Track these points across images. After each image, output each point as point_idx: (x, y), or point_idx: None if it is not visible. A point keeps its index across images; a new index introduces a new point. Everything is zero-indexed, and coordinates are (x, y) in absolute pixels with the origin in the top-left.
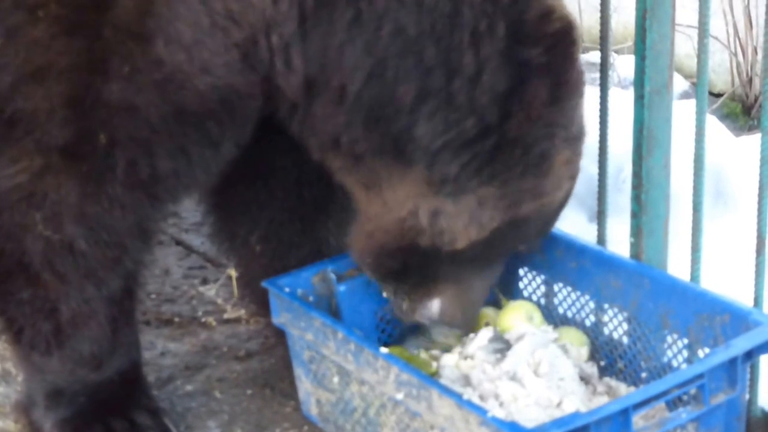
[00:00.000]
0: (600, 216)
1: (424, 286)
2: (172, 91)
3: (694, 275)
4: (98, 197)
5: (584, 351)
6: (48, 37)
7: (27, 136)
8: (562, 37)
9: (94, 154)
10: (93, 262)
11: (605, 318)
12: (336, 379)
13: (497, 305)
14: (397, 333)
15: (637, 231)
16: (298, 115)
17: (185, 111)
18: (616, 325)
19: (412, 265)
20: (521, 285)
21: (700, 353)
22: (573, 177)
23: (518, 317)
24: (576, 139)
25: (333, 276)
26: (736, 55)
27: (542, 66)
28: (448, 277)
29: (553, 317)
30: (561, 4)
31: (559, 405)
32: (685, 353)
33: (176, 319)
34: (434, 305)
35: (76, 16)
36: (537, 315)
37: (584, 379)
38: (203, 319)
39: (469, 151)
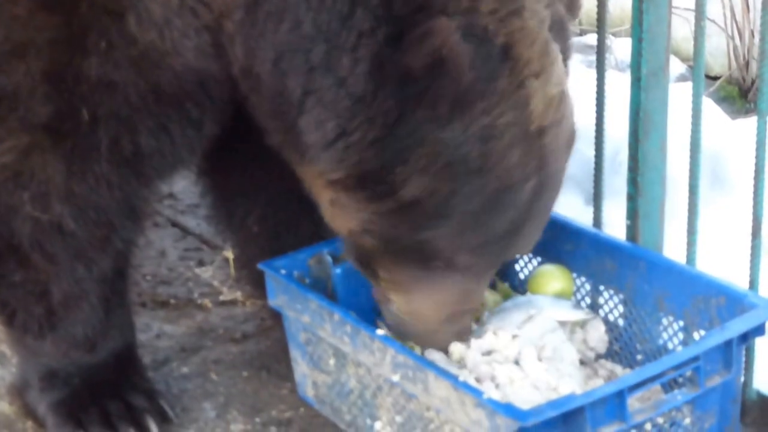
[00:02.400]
0: (596, 199)
1: (372, 277)
2: (148, 69)
3: (690, 258)
4: (84, 175)
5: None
6: (28, 13)
7: (11, 114)
8: (430, 67)
9: (78, 131)
10: (82, 242)
11: (601, 300)
12: (332, 361)
13: (493, 287)
14: None
15: (633, 214)
16: (250, 103)
17: (163, 90)
18: (612, 308)
19: (358, 255)
20: (517, 267)
21: (696, 335)
22: (443, 183)
23: (550, 288)
24: (462, 151)
25: (329, 258)
26: (733, 38)
27: (399, 79)
28: (384, 275)
29: None
30: (446, 32)
31: (555, 387)
32: (681, 335)
33: (172, 301)
34: (389, 304)
35: None
36: (568, 285)
37: (583, 362)
38: (199, 301)
39: (332, 150)
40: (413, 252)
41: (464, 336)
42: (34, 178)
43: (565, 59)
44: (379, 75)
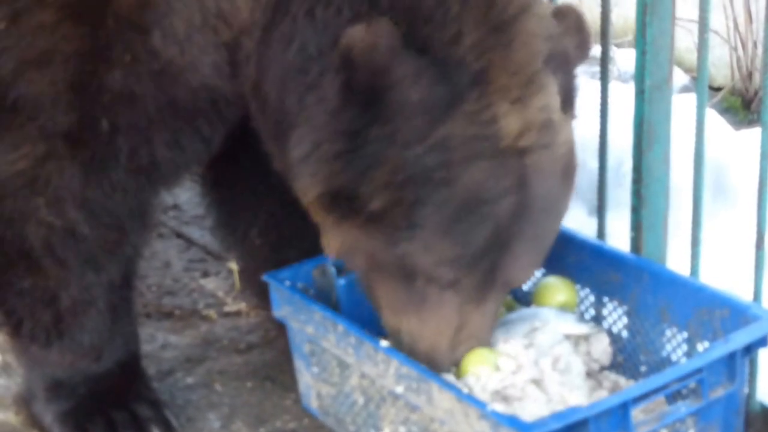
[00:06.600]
0: (600, 210)
1: (377, 308)
2: (167, 83)
3: (694, 269)
4: (101, 182)
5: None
6: (54, 22)
7: (30, 123)
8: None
9: (97, 140)
10: (94, 247)
11: (605, 311)
12: (336, 372)
13: None
14: None
15: (636, 225)
16: (257, 124)
17: (178, 105)
18: (615, 319)
19: (363, 286)
20: None
21: (700, 347)
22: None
23: (554, 299)
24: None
25: (333, 269)
26: (736, 49)
27: (360, 93)
28: (384, 302)
29: None
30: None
31: (566, 400)
32: (685, 347)
33: (177, 312)
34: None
35: (82, 3)
36: (572, 297)
37: (587, 373)
38: (204, 312)
39: (307, 163)
40: (396, 268)
41: None
42: (49, 185)
43: (569, 97)
44: (347, 88)
